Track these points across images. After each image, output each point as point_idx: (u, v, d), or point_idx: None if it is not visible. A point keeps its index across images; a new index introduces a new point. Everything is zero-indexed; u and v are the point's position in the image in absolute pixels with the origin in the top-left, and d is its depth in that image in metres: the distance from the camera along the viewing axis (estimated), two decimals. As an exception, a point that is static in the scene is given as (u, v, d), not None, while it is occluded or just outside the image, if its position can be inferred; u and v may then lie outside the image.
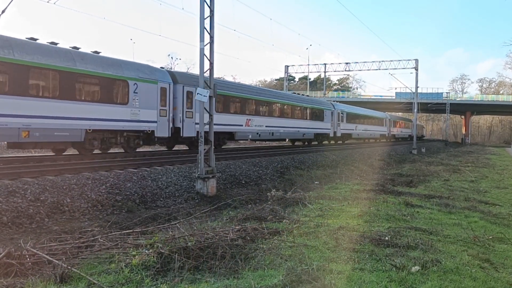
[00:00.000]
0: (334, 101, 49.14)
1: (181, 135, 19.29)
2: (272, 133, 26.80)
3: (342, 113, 39.31)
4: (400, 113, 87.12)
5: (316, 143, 35.60)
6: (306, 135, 32.09)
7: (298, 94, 36.39)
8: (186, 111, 19.60)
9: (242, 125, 23.79)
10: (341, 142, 41.82)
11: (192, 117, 19.88)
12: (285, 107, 29.34)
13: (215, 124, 13.60)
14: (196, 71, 27.36)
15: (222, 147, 23.75)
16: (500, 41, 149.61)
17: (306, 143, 35.73)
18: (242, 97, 24.27)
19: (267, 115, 26.83)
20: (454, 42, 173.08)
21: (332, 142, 40.52)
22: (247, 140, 26.27)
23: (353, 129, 42.49)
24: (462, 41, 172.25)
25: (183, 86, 19.47)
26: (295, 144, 35.71)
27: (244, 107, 24.31)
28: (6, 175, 10.55)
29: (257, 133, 25.27)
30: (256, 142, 36.11)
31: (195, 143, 20.52)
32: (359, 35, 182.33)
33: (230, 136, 23.37)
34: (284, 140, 33.64)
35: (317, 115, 33.98)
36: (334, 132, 37.29)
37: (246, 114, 24.30)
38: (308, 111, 32.64)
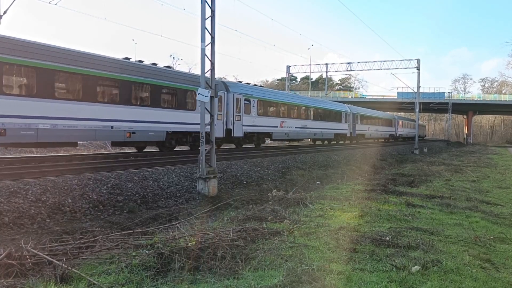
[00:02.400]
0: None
1: None
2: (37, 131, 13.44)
3: (248, 101, 24.41)
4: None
5: (187, 148, 21.68)
6: (138, 134, 17.02)
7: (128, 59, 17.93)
8: None
9: None
10: (253, 145, 26.58)
11: None
12: (74, 78, 14.74)
13: None
14: (197, 71, 27.18)
15: None
16: (503, 40, 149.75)
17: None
18: None
19: (32, 95, 13.40)
20: (459, 41, 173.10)
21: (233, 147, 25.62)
22: None
23: (276, 126, 27.52)
24: (466, 40, 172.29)
25: None
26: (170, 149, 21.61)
27: None
28: (8, 175, 10.57)
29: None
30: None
31: None
32: (362, 35, 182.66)
33: None
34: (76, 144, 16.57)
35: (176, 100, 19.46)
36: (230, 130, 22.59)
37: None
38: (147, 90, 17.90)
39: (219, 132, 21.25)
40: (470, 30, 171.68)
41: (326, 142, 38.90)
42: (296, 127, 30.21)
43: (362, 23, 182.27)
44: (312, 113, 33.45)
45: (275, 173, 16.91)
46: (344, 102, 49.20)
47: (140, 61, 18.54)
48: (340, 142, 40.32)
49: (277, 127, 27.74)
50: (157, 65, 19.43)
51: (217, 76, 13.18)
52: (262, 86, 31.21)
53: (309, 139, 37.46)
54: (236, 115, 23.19)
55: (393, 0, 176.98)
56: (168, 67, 20.40)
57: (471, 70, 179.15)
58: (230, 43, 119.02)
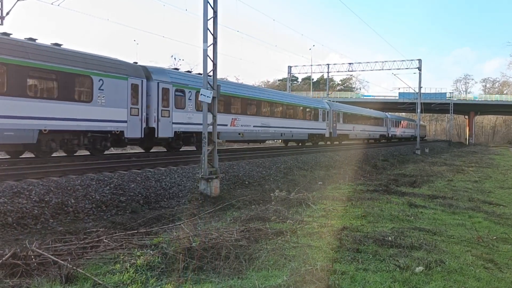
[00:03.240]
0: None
1: None
2: None
3: (181, 92, 19.54)
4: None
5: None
6: None
7: None
8: None
9: None
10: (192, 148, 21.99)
11: None
12: None
13: None
14: (199, 71, 26.78)
15: None
16: (506, 40, 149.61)
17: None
18: None
19: None
20: (461, 41, 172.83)
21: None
22: None
23: (225, 124, 22.22)
24: (469, 40, 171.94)
25: None
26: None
27: None
28: (11, 176, 10.61)
29: None
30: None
31: None
32: (364, 35, 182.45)
33: None
34: None
35: (58, 88, 14.54)
36: (153, 130, 18.03)
37: None
38: None
39: (133, 131, 16.72)
40: (473, 30, 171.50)
41: (300, 144, 33.95)
42: (254, 126, 25.09)
43: (363, 23, 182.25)
44: (277, 109, 28.22)
45: (277, 174, 16.92)
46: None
47: (5, 33, 13.59)
48: (320, 143, 35.61)
49: (226, 125, 22.56)
50: (36, 40, 14.40)
51: (218, 76, 13.15)
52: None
53: (275, 140, 33.00)
54: (162, 110, 18.33)
55: (395, 0, 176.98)
56: (56, 44, 15.06)
57: (474, 70, 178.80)
58: (232, 44, 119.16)
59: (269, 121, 26.78)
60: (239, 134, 23.82)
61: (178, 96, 19.39)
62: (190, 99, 20.00)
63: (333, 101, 44.85)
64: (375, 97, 75.41)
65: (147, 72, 18.21)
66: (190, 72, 22.03)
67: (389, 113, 59.25)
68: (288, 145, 33.67)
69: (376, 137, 50.17)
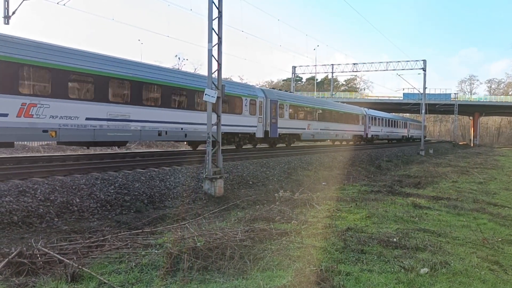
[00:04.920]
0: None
1: None
2: None
3: None
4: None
5: None
6: None
7: None
8: None
9: None
10: None
11: None
12: None
13: None
14: (204, 71, 26.46)
15: None
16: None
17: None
18: None
19: None
20: (468, 41, 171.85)
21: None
22: None
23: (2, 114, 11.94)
24: (476, 40, 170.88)
25: None
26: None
27: None
28: (17, 175, 10.67)
29: None
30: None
31: None
32: (368, 36, 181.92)
33: None
34: None
35: None
36: None
37: None
38: None
39: None
40: (481, 31, 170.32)
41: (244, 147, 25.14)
42: (89, 119, 14.54)
43: (368, 23, 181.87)
44: (154, 94, 17.39)
45: (281, 174, 16.91)
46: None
47: None
48: (259, 146, 26.66)
49: (6, 115, 12.20)
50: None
51: (223, 76, 13.14)
52: None
53: (185, 142, 24.15)
54: None
55: (401, 1, 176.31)
56: None
57: (480, 71, 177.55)
58: (237, 44, 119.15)
59: (129, 112, 15.98)
60: (45, 131, 13.41)
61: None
62: None
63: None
64: (380, 98, 75.21)
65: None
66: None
67: (365, 108, 51.01)
68: (197, 149, 23.94)
69: (348, 138, 39.34)
